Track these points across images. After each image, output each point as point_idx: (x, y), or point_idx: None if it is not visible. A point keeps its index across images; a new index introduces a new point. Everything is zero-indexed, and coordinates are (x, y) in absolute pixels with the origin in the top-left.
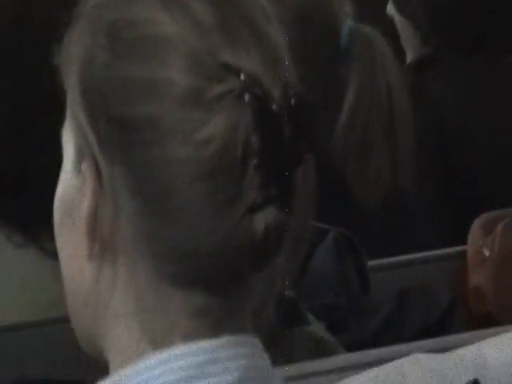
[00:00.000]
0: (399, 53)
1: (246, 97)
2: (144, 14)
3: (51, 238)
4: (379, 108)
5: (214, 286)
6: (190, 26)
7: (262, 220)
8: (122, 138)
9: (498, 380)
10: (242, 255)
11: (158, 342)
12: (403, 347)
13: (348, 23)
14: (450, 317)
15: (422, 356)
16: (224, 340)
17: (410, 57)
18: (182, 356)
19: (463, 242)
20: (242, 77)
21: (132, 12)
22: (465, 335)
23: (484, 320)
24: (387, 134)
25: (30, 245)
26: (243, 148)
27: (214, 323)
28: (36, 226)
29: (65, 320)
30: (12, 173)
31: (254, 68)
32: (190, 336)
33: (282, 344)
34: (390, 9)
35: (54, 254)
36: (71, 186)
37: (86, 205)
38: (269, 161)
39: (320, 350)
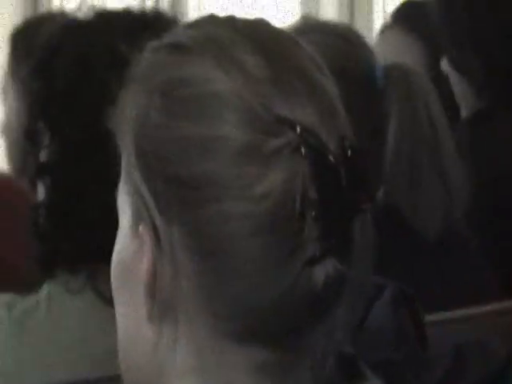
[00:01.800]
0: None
1: (303, 150)
2: (197, 72)
3: (108, 280)
4: (423, 142)
5: (274, 340)
6: (244, 81)
7: (322, 272)
8: (179, 197)
9: None
10: (302, 308)
11: None
12: None
13: (381, 64)
14: (509, 371)
15: None
16: None
17: (464, 112)
18: None
19: None
20: (298, 130)
21: (185, 70)
22: None
23: None
24: (435, 168)
25: (87, 290)
26: (301, 201)
27: (273, 379)
28: (93, 268)
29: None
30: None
31: (310, 120)
32: None
33: None
34: (444, 64)
35: (110, 300)
36: (129, 249)
37: (144, 267)
38: (327, 212)
39: None
